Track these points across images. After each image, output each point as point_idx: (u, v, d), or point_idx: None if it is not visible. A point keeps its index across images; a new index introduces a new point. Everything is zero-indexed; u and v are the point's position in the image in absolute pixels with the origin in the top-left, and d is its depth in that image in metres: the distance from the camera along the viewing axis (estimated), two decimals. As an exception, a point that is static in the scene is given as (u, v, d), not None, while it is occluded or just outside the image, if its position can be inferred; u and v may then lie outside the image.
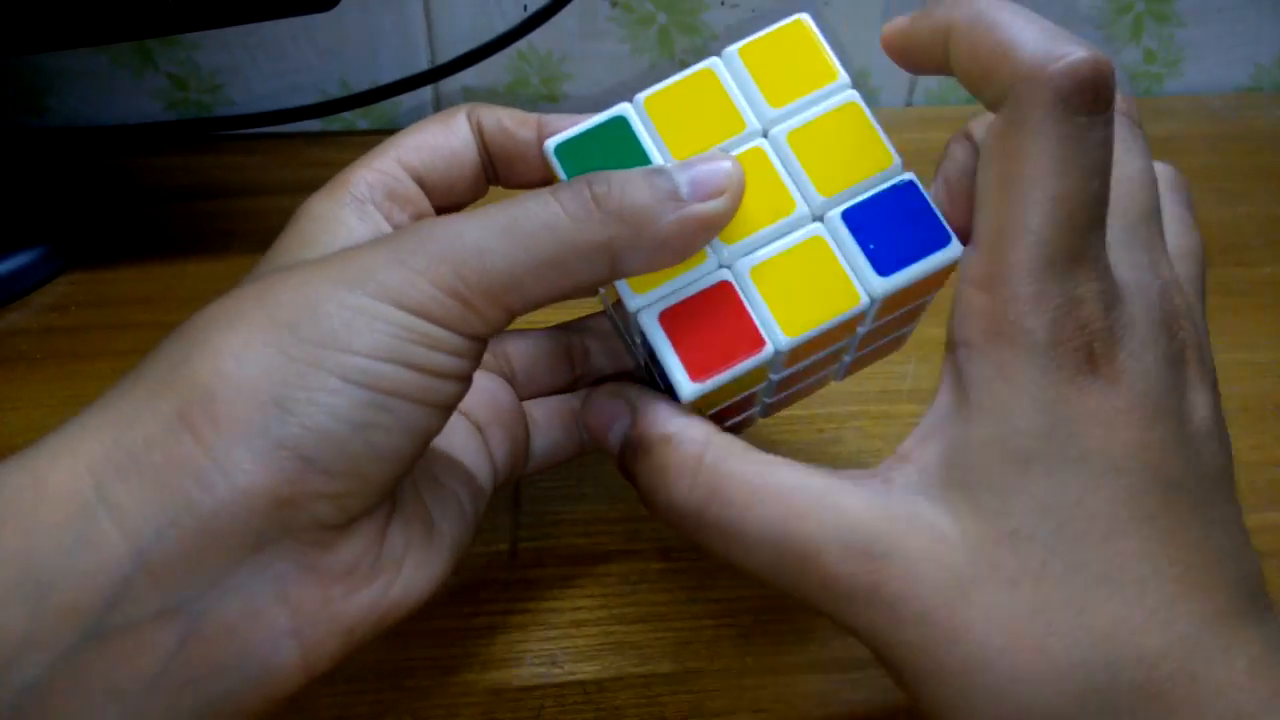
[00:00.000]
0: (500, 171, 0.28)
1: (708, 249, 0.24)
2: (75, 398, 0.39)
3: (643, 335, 0.24)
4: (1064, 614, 0.20)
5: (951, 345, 0.22)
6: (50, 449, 0.19)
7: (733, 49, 0.26)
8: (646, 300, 0.24)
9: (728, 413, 0.27)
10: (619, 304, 0.25)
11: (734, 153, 0.25)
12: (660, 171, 0.23)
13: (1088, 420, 0.20)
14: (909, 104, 0.58)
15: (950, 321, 0.23)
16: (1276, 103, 0.59)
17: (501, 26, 0.52)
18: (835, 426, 0.38)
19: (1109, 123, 0.21)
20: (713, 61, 0.26)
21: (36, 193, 0.49)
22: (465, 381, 0.22)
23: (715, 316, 0.24)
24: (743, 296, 0.24)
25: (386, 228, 0.25)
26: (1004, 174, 0.21)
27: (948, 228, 0.24)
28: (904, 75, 0.58)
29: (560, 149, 0.25)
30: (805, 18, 0.26)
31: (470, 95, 0.56)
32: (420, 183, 0.27)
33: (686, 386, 0.23)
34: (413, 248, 0.21)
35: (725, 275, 0.24)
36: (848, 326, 0.25)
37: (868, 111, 0.25)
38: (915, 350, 0.41)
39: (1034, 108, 0.21)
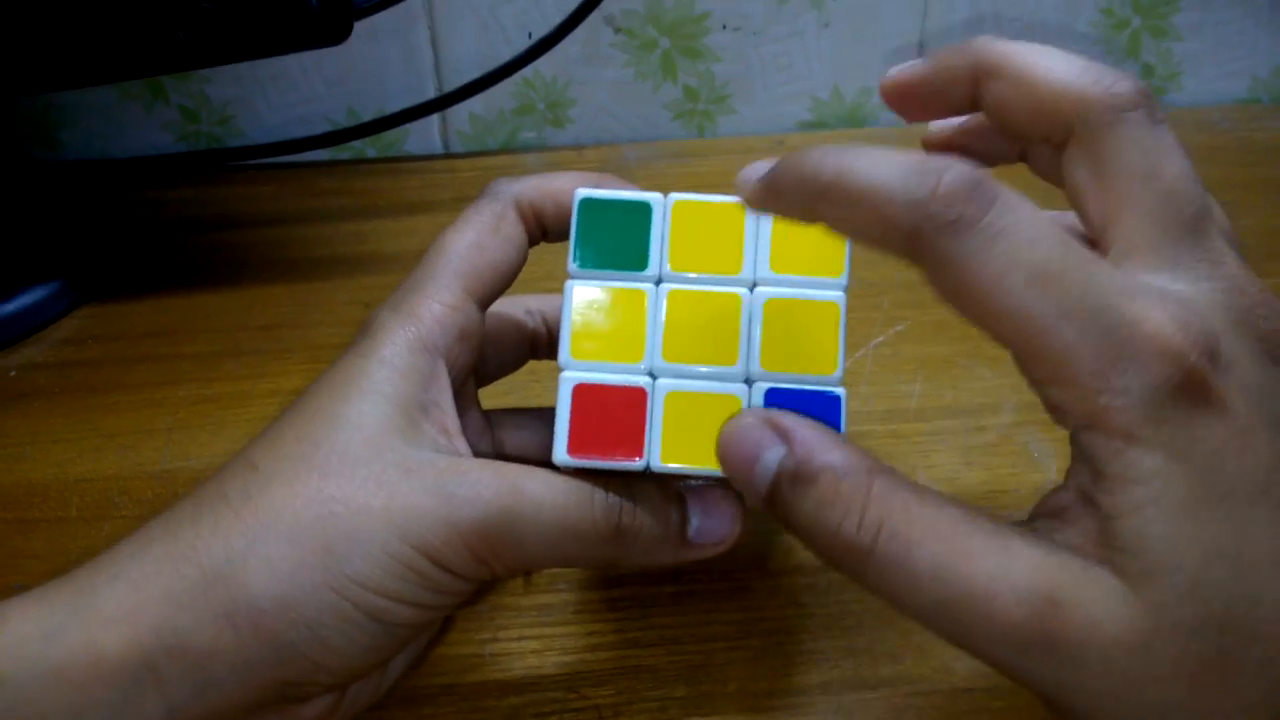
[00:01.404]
0: (554, 235, 0.30)
1: (646, 352, 0.26)
2: (93, 431, 0.39)
3: (558, 390, 0.26)
4: (1250, 652, 0.19)
5: (1068, 429, 0.21)
6: (106, 611, 0.22)
7: None
8: (575, 367, 0.26)
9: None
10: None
11: (716, 289, 0.26)
12: (678, 506, 0.26)
13: (1219, 455, 0.19)
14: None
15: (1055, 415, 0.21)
16: (1274, 114, 0.59)
17: (507, 54, 0.52)
18: (843, 446, 0.38)
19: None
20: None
21: (50, 227, 0.50)
22: (458, 607, 0.26)
23: (617, 412, 0.26)
24: (648, 408, 0.26)
25: (445, 386, 0.27)
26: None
27: None
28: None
29: (585, 203, 0.27)
30: None
31: (476, 122, 0.57)
32: (480, 303, 0.28)
33: (560, 456, 0.25)
34: (472, 515, 0.24)
35: (646, 384, 0.26)
36: (722, 483, 0.26)
37: (842, 317, 0.26)
38: (921, 369, 0.41)
39: (1119, 124, 0.22)
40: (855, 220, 0.20)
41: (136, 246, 0.50)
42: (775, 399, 0.25)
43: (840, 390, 0.26)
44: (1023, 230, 0.19)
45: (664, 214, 0.27)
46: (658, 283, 0.27)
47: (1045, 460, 0.37)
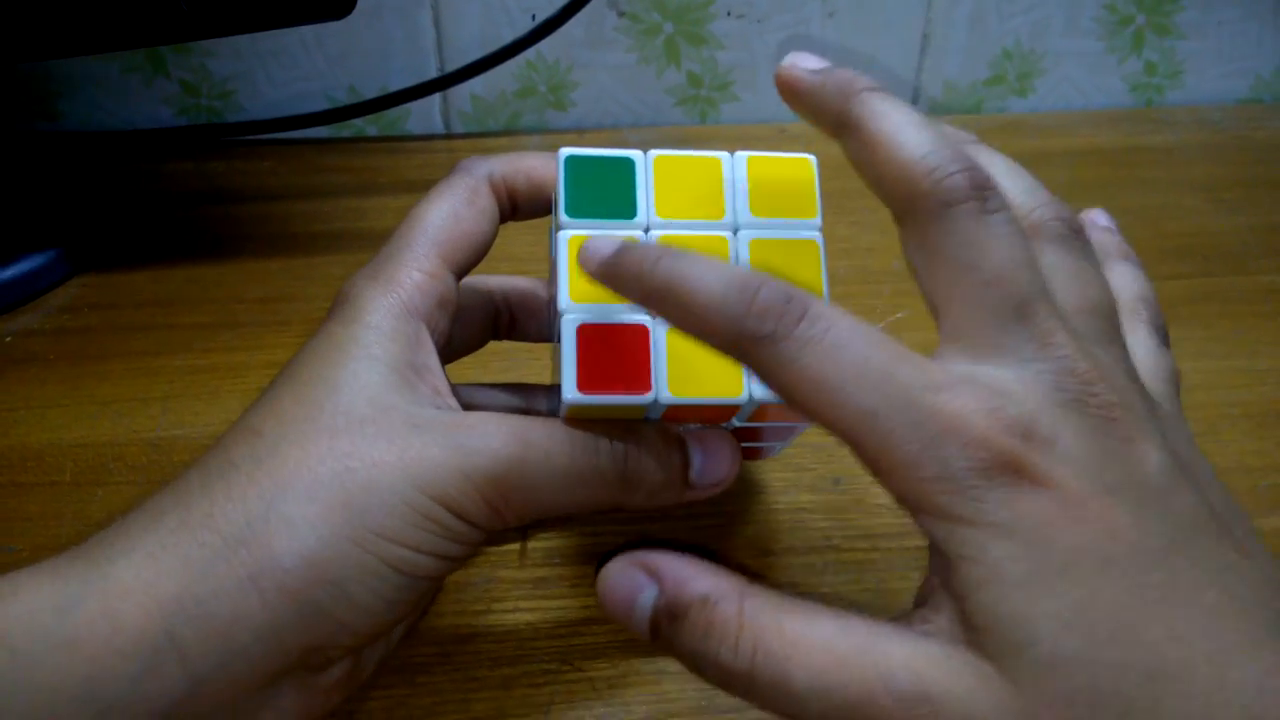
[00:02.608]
0: (524, 212, 0.30)
1: None
2: (88, 398, 0.39)
3: (559, 333, 0.26)
4: None
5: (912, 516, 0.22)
6: (123, 583, 0.22)
7: (744, 154, 0.28)
8: (576, 308, 0.26)
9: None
10: (554, 299, 0.27)
11: (702, 233, 0.27)
12: (679, 449, 0.27)
13: (1049, 528, 0.19)
14: (912, 114, 0.59)
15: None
16: (1276, 114, 0.59)
17: (510, 35, 0.52)
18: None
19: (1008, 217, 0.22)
20: (724, 154, 0.28)
21: (49, 196, 0.50)
22: (472, 557, 0.26)
23: (622, 349, 0.26)
24: (651, 345, 0.26)
25: (431, 350, 0.27)
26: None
27: None
28: (909, 80, 0.58)
29: (570, 159, 0.28)
30: (813, 159, 0.28)
31: (478, 103, 0.57)
32: (456, 273, 0.28)
33: (569, 393, 0.25)
34: (484, 465, 0.24)
35: (648, 322, 0.26)
36: (723, 411, 0.27)
37: (822, 253, 0.27)
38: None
39: (944, 218, 0.22)
40: (684, 322, 0.22)
41: (135, 218, 0.50)
42: None
43: None
44: (831, 338, 0.21)
45: (646, 168, 0.28)
46: (646, 230, 0.28)
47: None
